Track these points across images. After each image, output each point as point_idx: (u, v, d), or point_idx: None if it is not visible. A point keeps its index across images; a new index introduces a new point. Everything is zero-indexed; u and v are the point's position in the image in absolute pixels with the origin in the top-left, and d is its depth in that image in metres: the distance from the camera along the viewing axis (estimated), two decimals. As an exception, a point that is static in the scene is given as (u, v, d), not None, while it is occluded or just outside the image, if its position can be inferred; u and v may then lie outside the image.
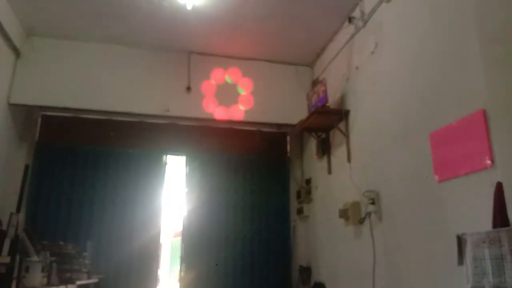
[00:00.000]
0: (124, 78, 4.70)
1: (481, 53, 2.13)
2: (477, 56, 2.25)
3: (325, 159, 4.49)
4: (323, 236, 4.50)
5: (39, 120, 4.65)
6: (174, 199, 5.21)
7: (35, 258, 2.84)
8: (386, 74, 3.40)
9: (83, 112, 4.67)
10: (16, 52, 4.41)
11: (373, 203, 3.34)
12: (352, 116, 3.97)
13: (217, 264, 4.64)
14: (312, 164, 4.96)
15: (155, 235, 4.67)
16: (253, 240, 4.82)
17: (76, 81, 4.56)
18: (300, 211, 5.03)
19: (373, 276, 3.27)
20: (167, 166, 4.92)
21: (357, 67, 3.92)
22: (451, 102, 2.53)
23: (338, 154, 4.20)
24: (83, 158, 4.63)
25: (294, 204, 5.15)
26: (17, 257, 2.55)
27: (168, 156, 4.97)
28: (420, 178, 2.79)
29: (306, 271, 4.77)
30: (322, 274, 4.46)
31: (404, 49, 3.15)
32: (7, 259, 2.49)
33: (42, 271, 2.87)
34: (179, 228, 4.91)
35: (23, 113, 4.65)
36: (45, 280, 2.90)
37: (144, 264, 4.50)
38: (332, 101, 4.21)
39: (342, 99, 4.16)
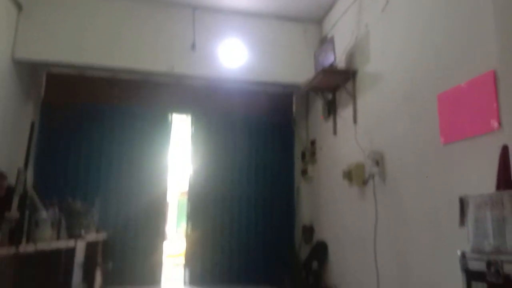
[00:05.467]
0: (128, 34, 4.58)
1: (494, 12, 2.04)
2: (489, 16, 2.15)
3: (330, 120, 4.45)
4: (327, 197, 4.55)
5: (44, 78, 4.62)
6: (180, 158, 5.25)
7: (44, 214, 2.90)
8: (395, 33, 3.29)
9: (88, 69, 4.62)
10: (18, 5, 4.30)
11: (377, 164, 3.34)
12: (359, 76, 3.89)
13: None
14: (318, 125, 4.93)
15: (162, 194, 4.74)
16: (257, 200, 4.89)
17: (79, 36, 4.45)
18: (304, 172, 5.06)
19: (375, 236, 3.32)
20: (172, 125, 4.92)
21: (366, 25, 3.79)
22: (461, 62, 2.46)
23: (344, 115, 4.16)
24: (88, 116, 4.64)
25: (298, 165, 5.17)
26: (27, 213, 2.60)
27: (174, 115, 4.96)
28: (426, 140, 2.76)
29: (309, 230, 4.86)
30: (325, 233, 4.54)
31: (415, 8, 3.03)
32: (16, 215, 2.55)
33: (51, 226, 2.94)
34: (186, 187, 4.99)
35: (28, 71, 4.60)
36: (54, 235, 2.98)
37: (151, 221, 4.60)
38: (339, 60, 4.11)
39: (350, 58, 4.06)
